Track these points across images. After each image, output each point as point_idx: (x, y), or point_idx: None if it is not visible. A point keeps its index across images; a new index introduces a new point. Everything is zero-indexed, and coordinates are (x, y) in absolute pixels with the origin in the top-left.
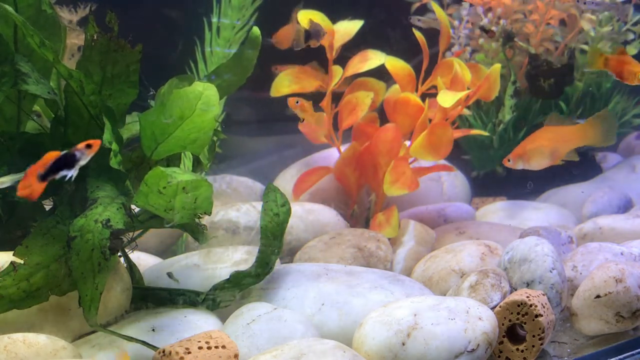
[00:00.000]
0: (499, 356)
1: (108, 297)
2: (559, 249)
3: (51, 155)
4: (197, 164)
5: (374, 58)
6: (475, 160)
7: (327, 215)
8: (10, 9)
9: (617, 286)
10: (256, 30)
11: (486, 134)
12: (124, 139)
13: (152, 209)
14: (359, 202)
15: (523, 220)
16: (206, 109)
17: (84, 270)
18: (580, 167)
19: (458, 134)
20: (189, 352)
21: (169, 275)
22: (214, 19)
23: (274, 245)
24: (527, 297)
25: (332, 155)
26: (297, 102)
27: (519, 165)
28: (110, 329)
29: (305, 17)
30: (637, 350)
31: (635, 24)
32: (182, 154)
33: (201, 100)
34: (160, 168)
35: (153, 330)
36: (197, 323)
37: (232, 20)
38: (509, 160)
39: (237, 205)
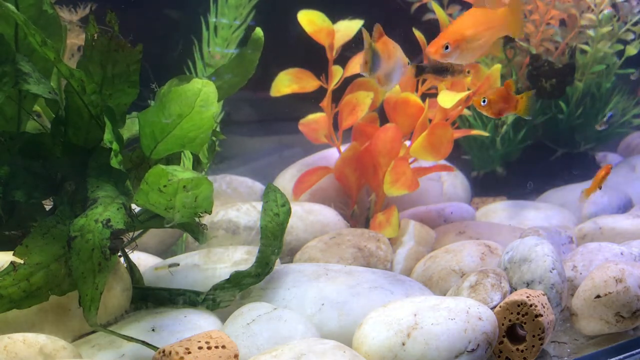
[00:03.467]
0: (499, 356)
1: (108, 297)
2: (559, 249)
3: None
4: (197, 164)
5: None
6: (475, 160)
7: (327, 215)
8: (12, 7)
9: (617, 286)
10: (259, 31)
11: (486, 134)
12: (124, 139)
13: (153, 208)
14: (359, 202)
15: (523, 220)
16: (205, 107)
17: (84, 270)
18: (580, 167)
19: (458, 134)
20: (189, 352)
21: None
22: (212, 19)
23: (274, 245)
24: (527, 297)
25: (332, 155)
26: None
27: (454, 56)
28: (110, 329)
29: (306, 17)
30: (637, 350)
31: (635, 24)
32: (182, 155)
33: (200, 97)
34: (160, 166)
35: (153, 330)
36: (197, 323)
37: (230, 19)
38: (446, 48)
39: (237, 205)
